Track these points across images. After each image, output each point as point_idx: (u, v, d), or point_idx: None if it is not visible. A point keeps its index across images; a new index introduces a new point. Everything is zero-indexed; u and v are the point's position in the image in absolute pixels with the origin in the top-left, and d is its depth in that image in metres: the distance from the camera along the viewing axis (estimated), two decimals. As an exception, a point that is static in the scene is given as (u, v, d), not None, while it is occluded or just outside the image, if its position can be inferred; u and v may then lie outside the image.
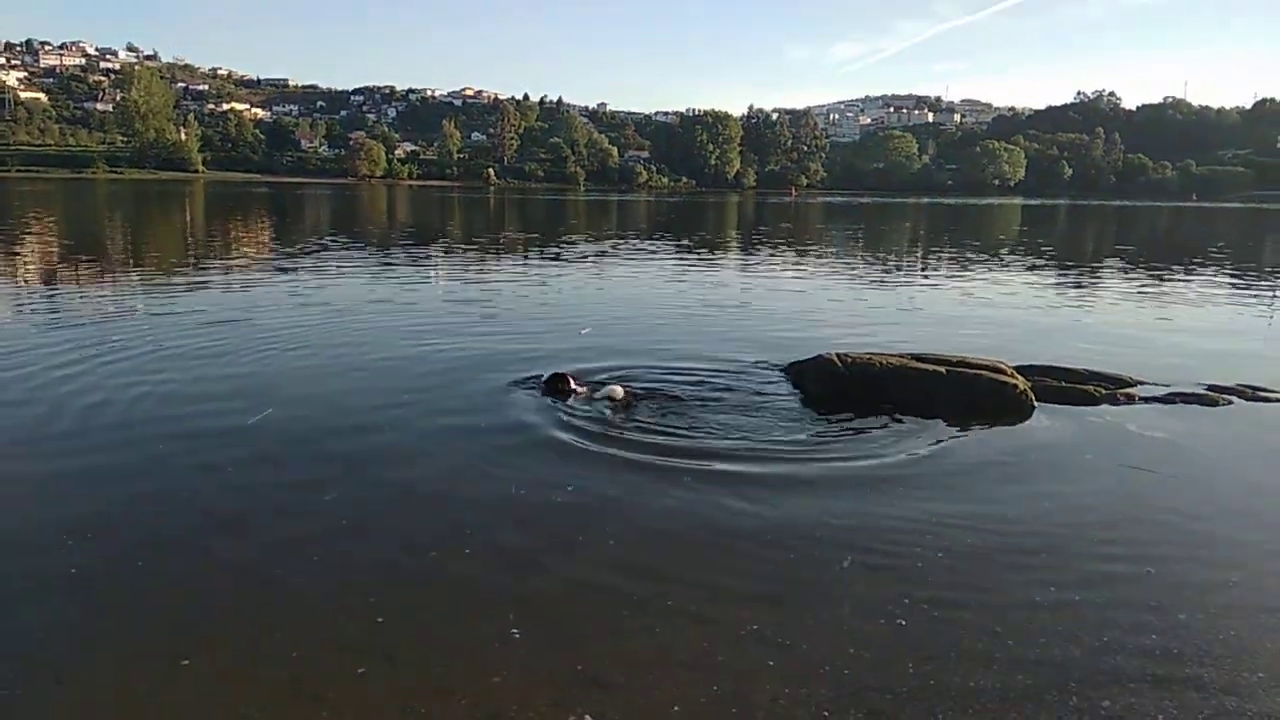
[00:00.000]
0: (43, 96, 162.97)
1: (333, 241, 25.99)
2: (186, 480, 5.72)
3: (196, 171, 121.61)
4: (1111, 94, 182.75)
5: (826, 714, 3.41)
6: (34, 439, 6.47)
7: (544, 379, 7.90)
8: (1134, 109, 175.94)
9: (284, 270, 17.85)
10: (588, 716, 3.35)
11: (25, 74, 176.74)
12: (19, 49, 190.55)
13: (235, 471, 5.89)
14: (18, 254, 19.94)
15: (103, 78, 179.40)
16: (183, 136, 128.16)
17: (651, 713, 3.42)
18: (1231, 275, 21.25)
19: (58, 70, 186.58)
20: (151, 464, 6.03)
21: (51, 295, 13.43)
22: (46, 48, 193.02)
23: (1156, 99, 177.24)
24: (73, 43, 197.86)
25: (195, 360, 8.99)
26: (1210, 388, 8.49)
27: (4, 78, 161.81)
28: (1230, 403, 8.15)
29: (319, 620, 4.03)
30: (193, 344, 9.74)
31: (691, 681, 3.61)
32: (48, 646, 3.77)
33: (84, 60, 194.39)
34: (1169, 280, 19.97)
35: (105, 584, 4.33)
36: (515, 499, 5.50)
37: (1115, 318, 14.04)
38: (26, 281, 15.23)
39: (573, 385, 7.60)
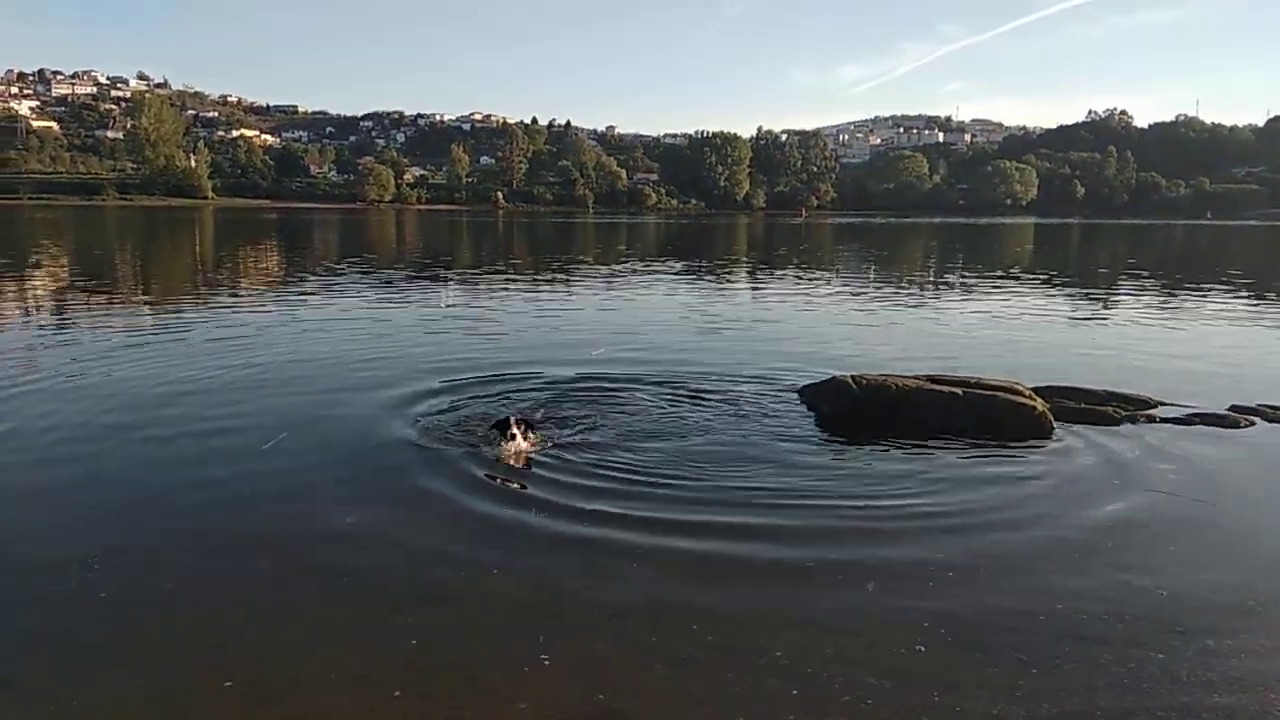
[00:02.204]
0: (54, 125, 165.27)
1: (342, 267, 26.13)
2: (209, 507, 5.71)
3: (206, 198, 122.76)
4: (1123, 112, 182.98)
5: (850, 746, 3.34)
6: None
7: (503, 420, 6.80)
8: (1146, 127, 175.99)
9: (292, 296, 17.92)
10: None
11: (38, 103, 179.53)
12: (31, 78, 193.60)
13: (251, 496, 5.87)
14: (30, 281, 20.09)
15: (113, 106, 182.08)
16: (192, 163, 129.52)
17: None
18: (1249, 294, 21.10)
19: (69, 99, 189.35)
20: (158, 493, 6.01)
21: (55, 320, 13.49)
22: (58, 77, 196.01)
23: (1169, 117, 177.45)
24: (84, 72, 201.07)
25: (208, 384, 9.01)
26: (1231, 408, 8.38)
27: (16, 107, 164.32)
28: (1252, 424, 8.03)
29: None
30: (202, 370, 9.78)
31: (710, 710, 3.55)
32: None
33: (95, 89, 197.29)
34: (1186, 299, 19.84)
35: (138, 603, 4.30)
36: (535, 523, 5.45)
37: (1132, 337, 13.92)
38: (36, 308, 15.32)
39: (514, 432, 6.56)
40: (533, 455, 6.61)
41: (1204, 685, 3.79)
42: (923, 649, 4.05)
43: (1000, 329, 14.58)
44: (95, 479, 6.24)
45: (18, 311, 14.84)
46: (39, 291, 17.97)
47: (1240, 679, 3.85)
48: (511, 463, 6.46)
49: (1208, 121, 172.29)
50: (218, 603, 4.46)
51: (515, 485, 6.13)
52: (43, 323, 13.40)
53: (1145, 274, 27.54)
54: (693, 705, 3.60)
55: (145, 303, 16.56)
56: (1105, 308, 18.35)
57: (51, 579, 4.66)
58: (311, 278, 22.20)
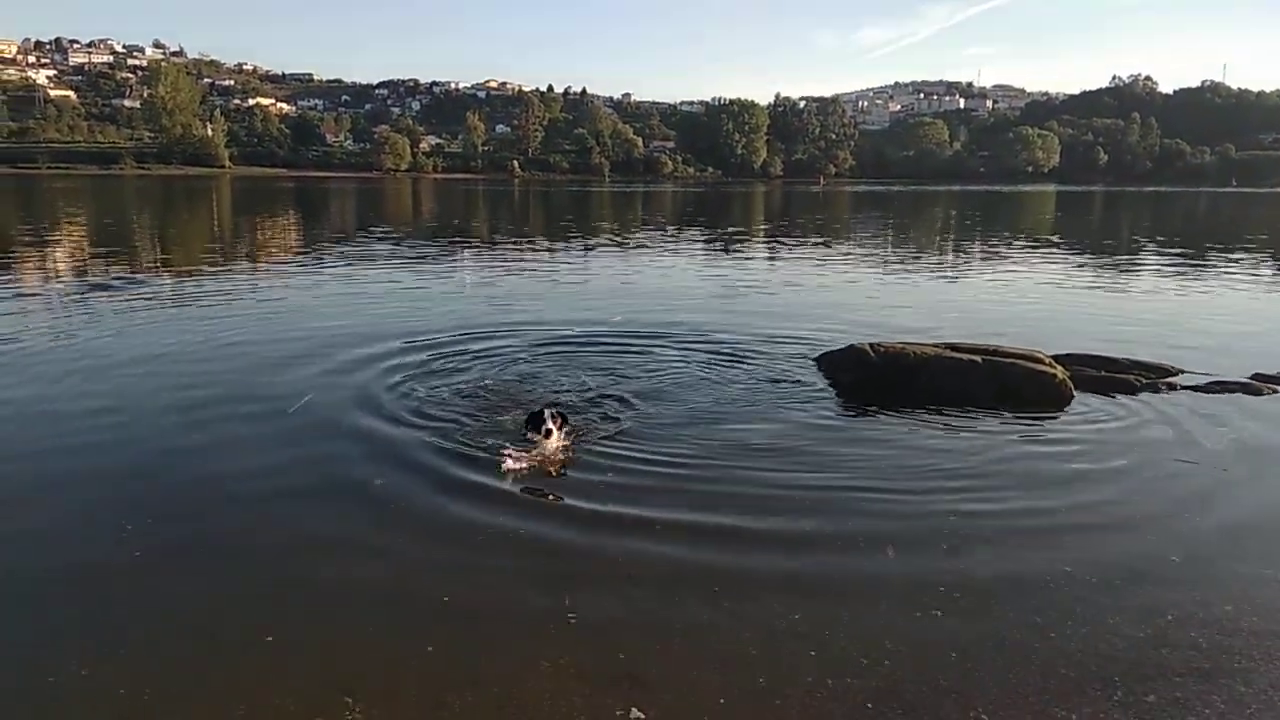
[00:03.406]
0: (72, 94, 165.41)
1: (362, 236, 26.19)
2: (233, 473, 5.79)
3: (223, 167, 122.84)
4: (1147, 78, 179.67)
5: (868, 707, 3.38)
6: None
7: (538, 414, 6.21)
8: (1170, 93, 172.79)
9: (314, 266, 18.00)
10: (635, 709, 3.34)
11: (54, 72, 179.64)
12: (48, 47, 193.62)
13: (276, 458, 5.95)
14: (51, 249, 20.25)
15: (130, 74, 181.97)
16: (209, 132, 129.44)
17: (695, 704, 3.40)
18: (1274, 262, 20.80)
19: (86, 68, 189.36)
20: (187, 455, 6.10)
21: (77, 290, 13.61)
22: (75, 46, 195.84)
23: (1194, 82, 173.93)
24: (100, 40, 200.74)
25: (231, 349, 9.11)
26: (1254, 376, 8.30)
27: (34, 76, 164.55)
28: (1275, 392, 7.96)
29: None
30: (220, 337, 9.88)
31: (731, 674, 3.59)
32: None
33: (111, 58, 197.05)
34: (1209, 268, 19.58)
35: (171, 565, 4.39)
36: (554, 491, 5.50)
37: (1155, 306, 13.78)
38: (58, 276, 15.46)
39: (549, 427, 5.98)
40: (567, 454, 6.04)
41: (1223, 650, 3.80)
42: (939, 613, 4.08)
43: (1020, 297, 14.45)
44: (125, 441, 6.33)
45: (40, 281, 14.97)
46: (61, 262, 18.11)
47: (1255, 644, 3.85)
48: (549, 469, 5.83)
49: (1234, 87, 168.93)
50: (245, 560, 4.55)
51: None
52: (65, 292, 13.50)
53: (1167, 242, 27.16)
54: (710, 668, 3.64)
55: (168, 272, 16.66)
56: (1127, 276, 18.14)
57: (86, 533, 4.77)
58: (332, 247, 22.28)
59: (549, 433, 5.92)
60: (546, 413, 6.05)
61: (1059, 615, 4.07)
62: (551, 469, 5.81)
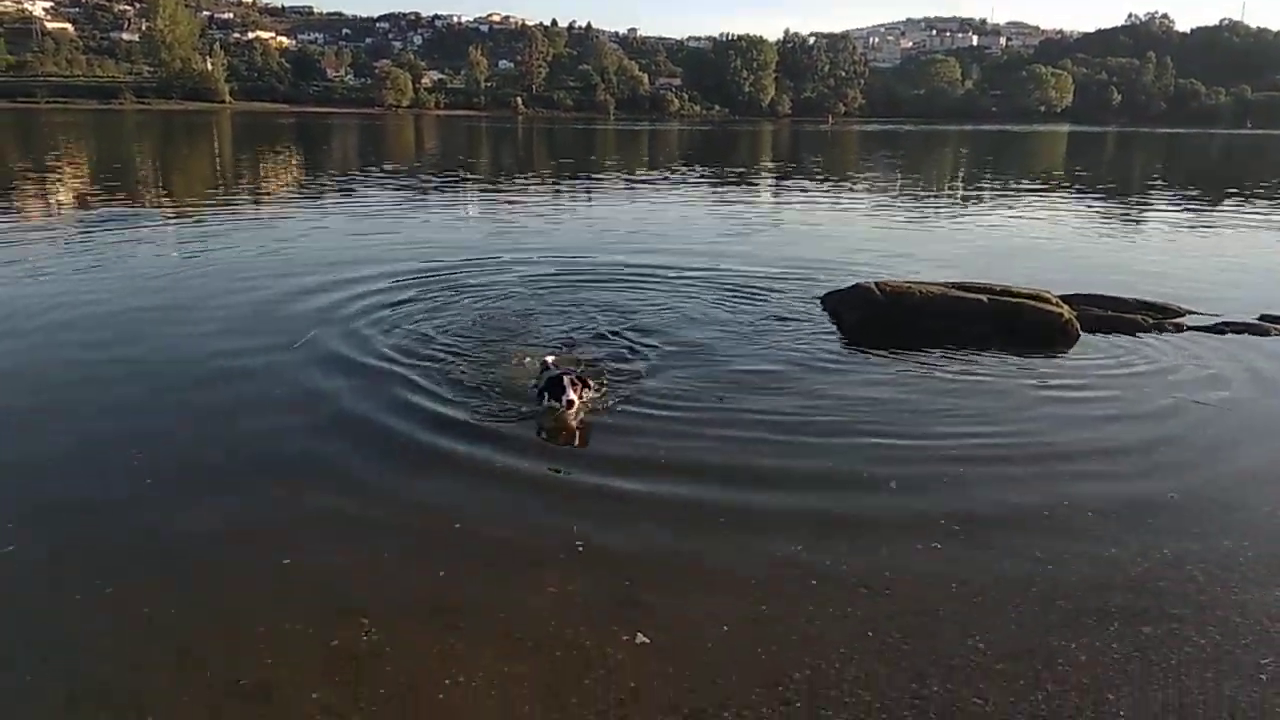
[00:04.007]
0: (69, 26, 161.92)
1: (364, 173, 25.94)
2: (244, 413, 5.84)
3: (223, 101, 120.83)
4: (1164, 16, 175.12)
5: (868, 635, 3.45)
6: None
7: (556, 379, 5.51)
8: (1187, 31, 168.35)
9: (316, 201, 17.87)
10: (640, 634, 3.41)
11: (51, 3, 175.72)
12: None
13: (280, 389, 6.00)
14: (53, 184, 20.11)
15: (128, 6, 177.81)
16: (209, 66, 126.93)
17: (699, 630, 3.48)
18: (1285, 204, 20.54)
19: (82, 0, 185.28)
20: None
21: (78, 223, 13.55)
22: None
23: (1211, 21, 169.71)
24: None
25: (234, 284, 9.11)
26: (1262, 318, 8.28)
27: (30, 8, 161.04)
28: (1281, 333, 7.94)
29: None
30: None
31: (734, 602, 3.66)
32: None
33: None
34: (1222, 211, 19.37)
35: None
36: (557, 430, 5.54)
37: (1166, 248, 13.70)
38: (60, 209, 15.37)
39: (571, 398, 5.35)
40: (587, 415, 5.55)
41: (1220, 584, 3.86)
42: (938, 546, 4.14)
43: (1029, 238, 14.35)
44: (129, 377, 6.37)
45: (43, 214, 14.90)
46: (63, 195, 17.99)
47: (1251, 578, 3.91)
48: (569, 435, 5.37)
49: (1253, 25, 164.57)
50: (254, 492, 4.61)
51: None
52: (68, 224, 13.44)
53: (1180, 184, 26.80)
54: (714, 596, 3.71)
55: (170, 206, 16.56)
56: (1138, 217, 17.97)
57: (96, 461, 4.84)
58: (333, 183, 22.10)
59: (570, 403, 5.30)
60: (566, 379, 5.38)
61: (1058, 549, 4.13)
62: (576, 435, 5.41)
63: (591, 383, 5.72)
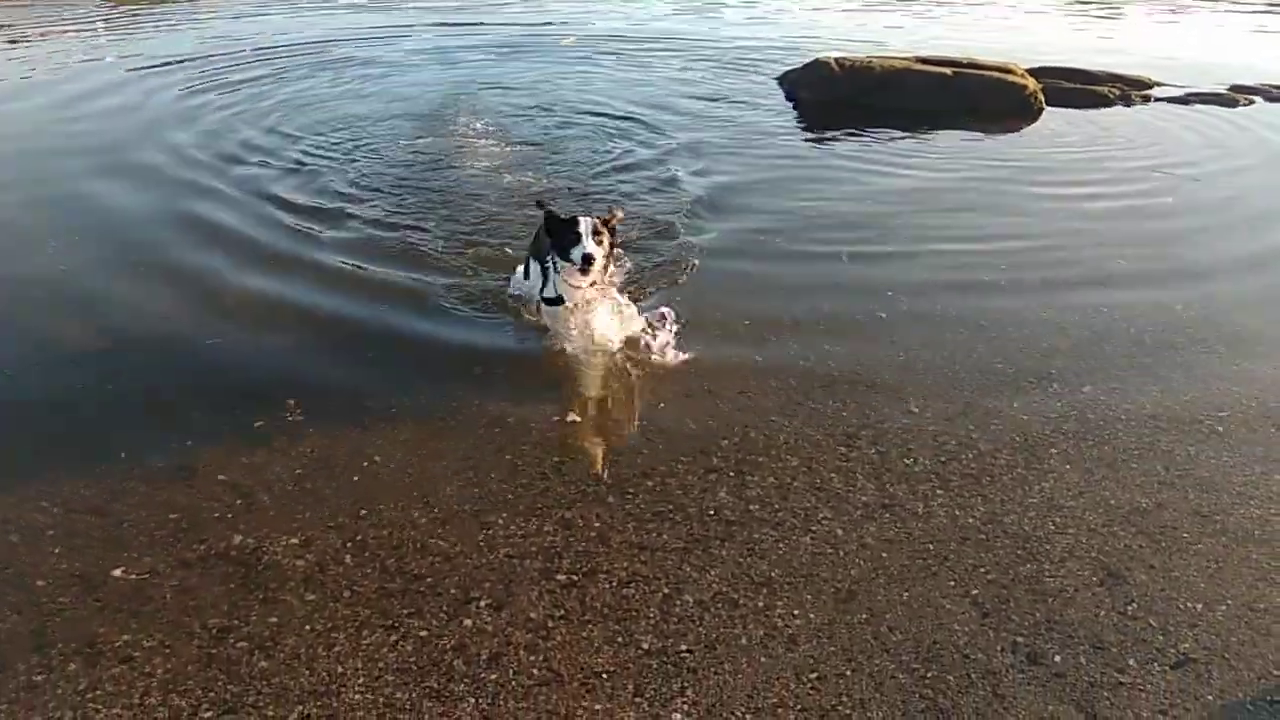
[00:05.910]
0: None
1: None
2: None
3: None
4: None
5: (799, 403, 3.34)
6: None
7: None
8: None
9: None
10: (571, 413, 3.30)
11: None
12: None
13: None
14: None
15: None
16: None
17: (621, 411, 3.37)
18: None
19: None
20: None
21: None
22: None
23: None
24: None
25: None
26: (1232, 88, 7.95)
27: None
28: (1251, 102, 7.66)
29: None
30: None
31: (675, 376, 3.54)
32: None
33: None
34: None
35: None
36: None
37: (1141, 30, 13.01)
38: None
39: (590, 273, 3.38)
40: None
41: (1166, 346, 3.79)
42: (883, 316, 4.02)
43: (1004, 19, 13.57)
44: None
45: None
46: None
47: (1198, 337, 3.85)
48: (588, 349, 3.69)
49: None
50: (185, 287, 4.33)
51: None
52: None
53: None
54: (647, 381, 3.58)
55: None
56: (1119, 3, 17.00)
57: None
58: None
59: (588, 259, 3.29)
60: (584, 223, 3.36)
61: (1001, 317, 4.04)
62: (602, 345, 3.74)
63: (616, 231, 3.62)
